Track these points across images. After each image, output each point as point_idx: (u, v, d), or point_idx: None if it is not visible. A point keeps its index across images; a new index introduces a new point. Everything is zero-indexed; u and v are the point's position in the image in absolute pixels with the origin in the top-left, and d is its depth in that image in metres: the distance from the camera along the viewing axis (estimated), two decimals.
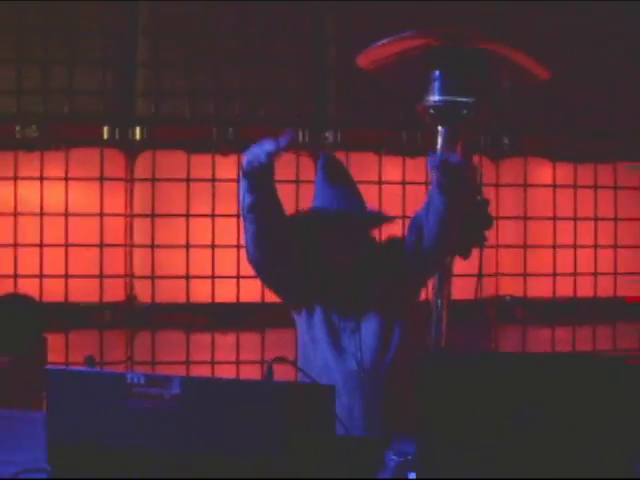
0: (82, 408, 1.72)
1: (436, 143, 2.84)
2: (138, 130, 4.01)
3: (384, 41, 2.62)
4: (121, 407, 1.67)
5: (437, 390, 1.54)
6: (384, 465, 1.77)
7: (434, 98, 2.68)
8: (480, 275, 4.09)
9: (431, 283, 3.10)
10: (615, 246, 4.37)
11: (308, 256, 2.57)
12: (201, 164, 4.05)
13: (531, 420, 1.52)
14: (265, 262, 2.51)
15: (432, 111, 2.73)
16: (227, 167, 4.05)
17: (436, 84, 2.68)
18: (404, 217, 4.08)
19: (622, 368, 1.49)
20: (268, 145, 2.34)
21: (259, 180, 2.39)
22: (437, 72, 2.67)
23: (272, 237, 2.46)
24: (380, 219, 2.66)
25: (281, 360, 1.92)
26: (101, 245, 3.99)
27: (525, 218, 4.29)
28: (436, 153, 2.66)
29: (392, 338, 2.52)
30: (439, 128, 2.77)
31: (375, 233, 2.73)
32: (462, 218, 2.52)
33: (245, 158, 2.38)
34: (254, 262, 2.53)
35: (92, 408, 1.71)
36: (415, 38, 2.64)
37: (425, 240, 2.50)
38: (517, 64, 2.68)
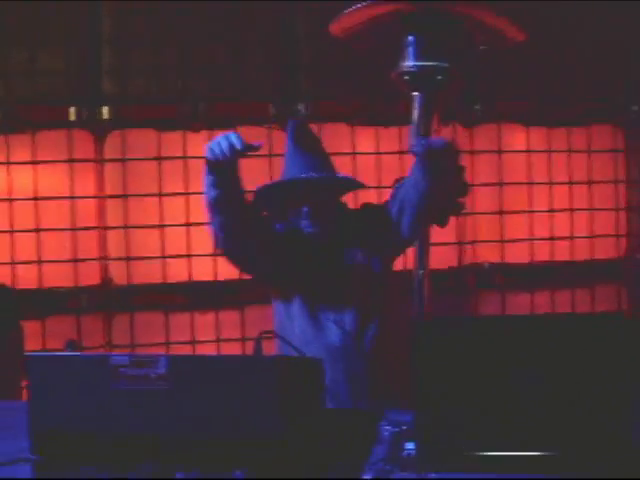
0: (65, 394, 1.67)
1: (410, 111, 2.80)
2: (106, 110, 3.93)
3: (356, 7, 2.57)
4: (106, 390, 1.63)
5: (433, 356, 1.52)
6: (379, 436, 1.74)
7: (408, 64, 2.64)
8: (459, 243, 4.13)
9: (411, 253, 3.09)
10: (590, 209, 4.39)
11: (280, 233, 2.54)
12: (171, 142, 3.98)
13: (531, 382, 1.50)
14: (235, 249, 2.49)
15: (406, 77, 2.68)
16: (198, 144, 3.98)
17: (410, 50, 2.63)
18: (379, 187, 4.08)
19: (622, 324, 1.47)
20: (235, 140, 2.26)
21: (224, 174, 2.34)
22: (410, 38, 2.63)
23: (240, 226, 2.44)
24: (350, 184, 2.65)
25: (268, 334, 1.89)
26: (74, 228, 3.93)
27: (500, 184, 4.28)
28: (418, 136, 2.62)
29: (373, 309, 2.49)
30: (414, 94, 2.72)
31: (350, 202, 2.71)
32: (445, 194, 2.49)
33: (208, 149, 2.30)
34: (225, 250, 2.51)
35: (76, 393, 1.66)
36: (387, 3, 2.59)
37: (407, 212, 2.47)
38: (492, 27, 2.64)
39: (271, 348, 2.45)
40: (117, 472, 1.63)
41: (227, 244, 2.47)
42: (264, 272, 2.57)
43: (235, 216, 2.41)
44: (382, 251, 2.53)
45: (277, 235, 2.54)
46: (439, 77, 2.67)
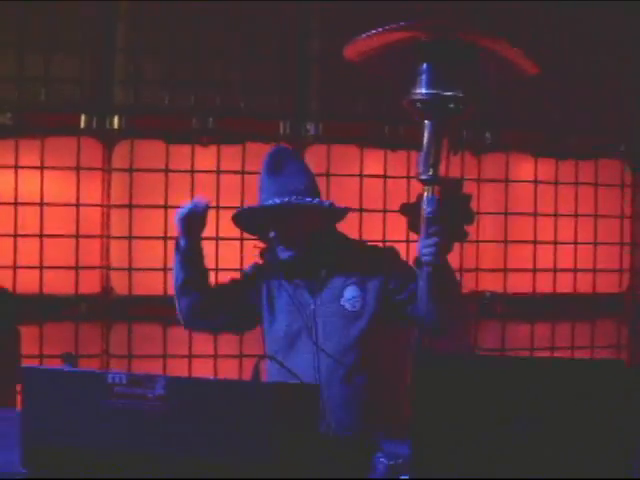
0: (60, 409, 1.66)
1: (421, 137, 2.80)
2: (116, 119, 3.94)
3: (372, 32, 2.57)
4: (102, 408, 1.62)
5: (433, 391, 1.51)
6: (373, 468, 1.73)
7: (421, 91, 2.64)
8: (460, 270, 4.11)
9: None
10: (595, 243, 4.38)
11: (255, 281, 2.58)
12: (180, 155, 3.98)
13: (528, 424, 1.49)
14: (203, 327, 2.72)
15: (419, 105, 2.68)
16: (206, 158, 4.00)
17: (424, 77, 2.63)
18: (385, 211, 4.08)
19: (621, 371, 1.46)
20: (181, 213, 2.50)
21: (187, 257, 2.53)
22: (425, 65, 2.63)
23: (206, 305, 2.57)
24: (319, 209, 2.47)
25: (268, 358, 1.87)
26: (77, 236, 3.92)
27: (506, 213, 4.27)
28: (427, 165, 2.59)
29: (357, 339, 2.41)
30: (425, 122, 2.72)
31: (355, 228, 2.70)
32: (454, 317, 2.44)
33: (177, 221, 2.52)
34: (193, 329, 2.78)
35: (71, 409, 1.65)
36: (404, 30, 2.59)
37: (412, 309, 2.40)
38: (506, 59, 2.64)
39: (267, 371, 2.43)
40: None
41: (195, 325, 2.65)
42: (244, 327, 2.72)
43: (201, 297, 2.55)
44: (382, 293, 2.44)
45: (250, 288, 2.58)
46: (451, 106, 2.67)
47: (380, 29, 2.59)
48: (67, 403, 1.65)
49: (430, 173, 2.65)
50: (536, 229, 4.30)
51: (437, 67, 2.62)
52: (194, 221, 2.51)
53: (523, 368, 1.51)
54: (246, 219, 2.56)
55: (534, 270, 4.30)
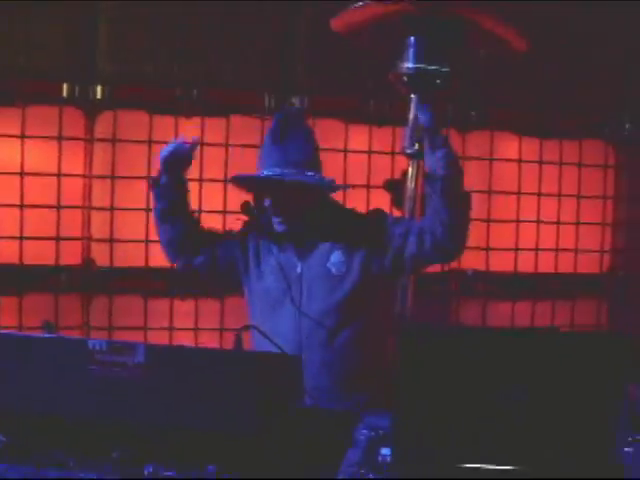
0: (39, 376, 1.64)
1: (406, 113, 2.78)
2: (99, 89, 3.89)
3: (360, 4, 2.55)
4: (81, 375, 1.60)
5: (417, 363, 1.50)
6: (355, 440, 1.73)
7: (408, 65, 2.63)
8: None
9: None
10: (577, 223, 4.39)
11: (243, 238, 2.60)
12: (163, 126, 3.94)
13: (512, 396, 1.49)
14: (183, 263, 2.65)
15: (405, 79, 2.67)
16: (190, 129, 3.95)
17: (411, 51, 2.62)
18: (368, 186, 4.06)
19: (605, 341, 1.46)
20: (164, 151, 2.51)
21: (167, 186, 2.53)
22: (412, 39, 2.62)
23: (187, 239, 2.60)
24: (318, 184, 2.48)
25: (249, 328, 1.86)
26: (58, 206, 3.88)
27: (490, 192, 4.27)
28: (412, 139, 2.61)
29: (341, 306, 2.45)
30: (411, 96, 2.71)
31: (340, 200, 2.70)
32: (466, 214, 2.45)
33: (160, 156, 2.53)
34: (177, 266, 2.69)
35: (50, 376, 1.63)
36: (391, 3, 2.57)
37: (424, 238, 2.41)
38: (494, 34, 2.63)
39: (249, 340, 2.43)
40: (85, 458, 1.60)
41: (175, 259, 2.64)
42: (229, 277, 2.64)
43: (182, 228, 2.57)
44: (367, 259, 2.48)
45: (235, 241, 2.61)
46: (438, 81, 2.66)
47: (368, 1, 2.57)
48: (46, 370, 1.63)
49: (415, 147, 2.64)
50: (519, 208, 4.30)
51: (425, 41, 2.61)
52: (178, 160, 2.52)
53: (508, 339, 1.51)
54: (244, 180, 2.57)
55: (516, 249, 4.31)
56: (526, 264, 4.33)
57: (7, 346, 1.75)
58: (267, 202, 2.46)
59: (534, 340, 1.51)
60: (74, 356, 1.61)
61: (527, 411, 1.50)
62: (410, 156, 2.76)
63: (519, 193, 4.29)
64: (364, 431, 1.74)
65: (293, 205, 2.45)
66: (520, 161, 4.30)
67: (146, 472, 1.54)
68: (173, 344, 3.69)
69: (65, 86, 3.84)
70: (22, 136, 3.82)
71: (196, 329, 4.04)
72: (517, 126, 4.27)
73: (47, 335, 1.73)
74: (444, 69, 2.64)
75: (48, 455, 1.63)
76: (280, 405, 1.64)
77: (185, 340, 3.97)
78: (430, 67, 2.60)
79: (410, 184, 2.93)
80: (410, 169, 2.93)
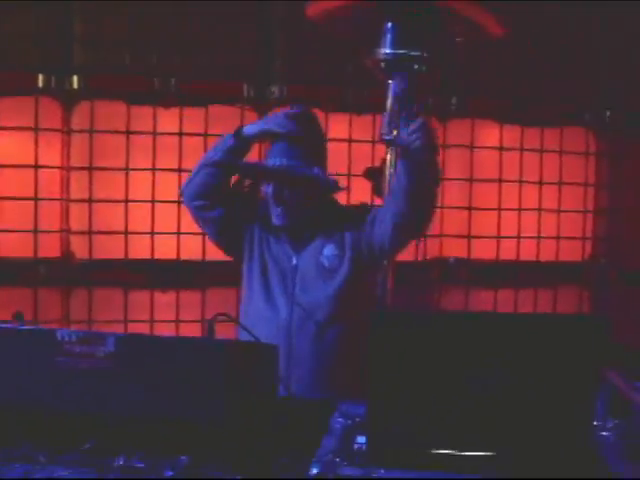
0: (7, 368, 1.61)
1: (384, 100, 2.76)
2: (75, 79, 3.84)
3: None
4: (50, 366, 1.57)
5: (389, 349, 1.48)
6: (330, 428, 1.71)
7: (385, 51, 2.61)
8: (424, 236, 4.10)
9: None
10: (559, 210, 4.38)
11: (250, 208, 2.59)
12: (141, 116, 3.91)
13: (486, 381, 1.47)
14: (199, 203, 2.58)
15: (383, 64, 2.65)
16: (168, 120, 3.93)
17: (388, 37, 2.61)
18: (349, 175, 4.04)
19: (580, 325, 1.45)
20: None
21: (243, 149, 2.50)
22: (389, 24, 2.60)
23: (216, 191, 2.54)
24: (316, 182, 2.50)
25: (222, 316, 1.84)
26: (36, 198, 3.84)
27: (471, 180, 4.26)
28: (391, 125, 2.59)
29: (334, 296, 2.46)
30: (389, 82, 2.69)
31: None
32: (428, 186, 2.43)
33: (274, 123, 2.49)
34: (189, 204, 2.60)
35: (18, 367, 1.60)
36: None
37: (384, 220, 2.43)
38: (471, 20, 2.62)
39: (231, 332, 2.41)
40: (56, 450, 1.58)
41: (194, 199, 2.56)
42: (230, 241, 2.60)
43: (222, 180, 2.52)
44: (356, 252, 2.49)
45: (249, 212, 2.59)
46: (415, 66, 2.65)
47: None
48: (15, 361, 1.60)
49: (394, 134, 2.63)
50: (501, 196, 4.29)
51: (401, 26, 2.59)
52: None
53: (480, 324, 1.49)
54: (250, 169, 2.58)
55: (498, 237, 4.31)
56: (508, 252, 4.33)
57: None
58: (269, 192, 2.47)
59: (508, 324, 1.50)
60: (43, 347, 1.59)
61: (502, 396, 1.49)
62: (388, 142, 2.74)
63: (500, 181, 4.29)
64: (340, 419, 1.72)
65: (297, 198, 2.47)
66: (501, 149, 4.29)
67: (117, 464, 1.51)
68: (144, 334, 3.65)
69: (41, 76, 3.80)
70: None
71: (177, 321, 4.01)
72: (498, 114, 4.26)
73: (16, 326, 1.70)
74: (422, 54, 2.62)
75: (17, 448, 1.60)
76: (254, 394, 1.62)
77: (166, 332, 3.94)
78: (407, 52, 2.58)
79: (389, 171, 2.92)
80: (389, 156, 2.92)
